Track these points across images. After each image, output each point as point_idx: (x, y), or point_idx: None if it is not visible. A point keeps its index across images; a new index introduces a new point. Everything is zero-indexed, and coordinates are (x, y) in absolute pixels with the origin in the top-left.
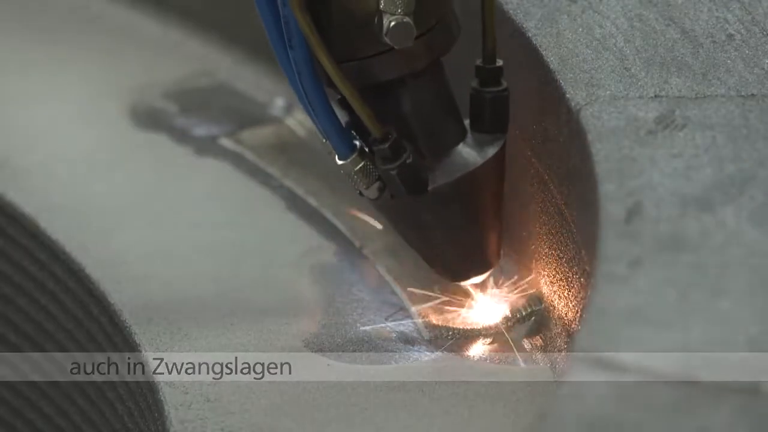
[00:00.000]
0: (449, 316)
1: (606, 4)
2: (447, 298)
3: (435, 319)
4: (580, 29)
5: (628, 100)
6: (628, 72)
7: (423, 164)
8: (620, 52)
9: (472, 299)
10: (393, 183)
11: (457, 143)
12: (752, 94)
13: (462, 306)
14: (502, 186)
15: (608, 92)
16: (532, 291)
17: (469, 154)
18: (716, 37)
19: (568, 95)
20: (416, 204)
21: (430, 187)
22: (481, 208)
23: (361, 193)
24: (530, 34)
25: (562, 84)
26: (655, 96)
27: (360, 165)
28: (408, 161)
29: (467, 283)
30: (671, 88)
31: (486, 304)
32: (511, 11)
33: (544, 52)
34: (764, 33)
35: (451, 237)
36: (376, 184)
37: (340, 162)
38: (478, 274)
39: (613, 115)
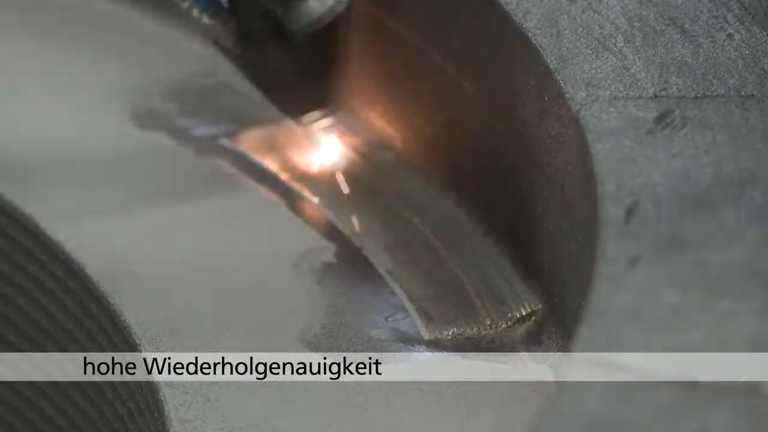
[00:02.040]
0: None
1: (606, 4)
2: None
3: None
4: (580, 29)
5: (628, 100)
6: (628, 72)
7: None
8: (620, 52)
9: None
10: (259, 34)
11: None
12: (752, 94)
13: None
14: (344, 35)
15: (608, 92)
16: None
17: (317, 3)
18: (716, 37)
19: (568, 95)
20: (278, 49)
21: (292, 33)
22: (333, 52)
23: (223, 48)
24: (530, 34)
25: (562, 84)
26: (655, 96)
27: (225, 21)
28: (271, 9)
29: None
30: (671, 88)
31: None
32: (511, 11)
33: (544, 52)
34: (764, 33)
35: (306, 79)
36: (241, 40)
37: (206, 20)
38: (315, 109)
39: (613, 115)
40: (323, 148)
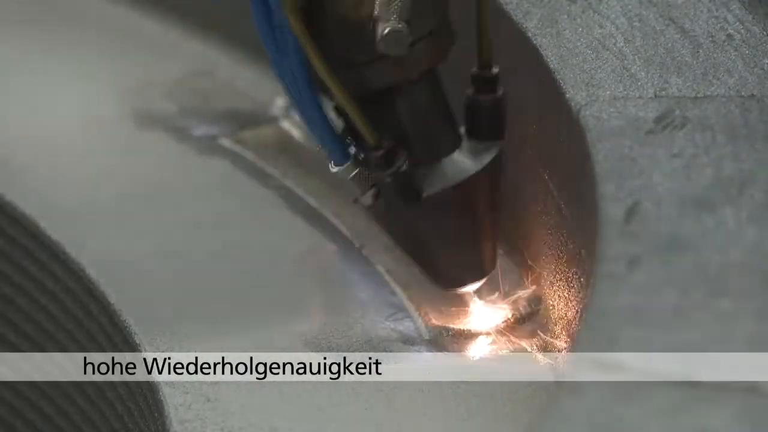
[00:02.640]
0: (451, 318)
1: (606, 4)
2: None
3: (435, 320)
4: (580, 29)
5: (628, 100)
6: (628, 72)
7: (417, 172)
8: (620, 52)
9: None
10: (387, 190)
11: (452, 151)
12: (752, 94)
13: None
14: (498, 193)
15: (608, 92)
16: (531, 291)
17: (463, 161)
18: (716, 37)
19: (568, 95)
20: (410, 212)
21: (424, 195)
22: (475, 216)
23: (356, 201)
24: (530, 34)
25: (562, 84)
26: (655, 96)
27: (354, 172)
28: (402, 169)
29: (461, 291)
30: (671, 88)
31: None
32: (511, 11)
33: (544, 52)
34: (764, 33)
35: (446, 245)
36: (371, 192)
37: (334, 169)
38: (472, 282)
39: (613, 115)
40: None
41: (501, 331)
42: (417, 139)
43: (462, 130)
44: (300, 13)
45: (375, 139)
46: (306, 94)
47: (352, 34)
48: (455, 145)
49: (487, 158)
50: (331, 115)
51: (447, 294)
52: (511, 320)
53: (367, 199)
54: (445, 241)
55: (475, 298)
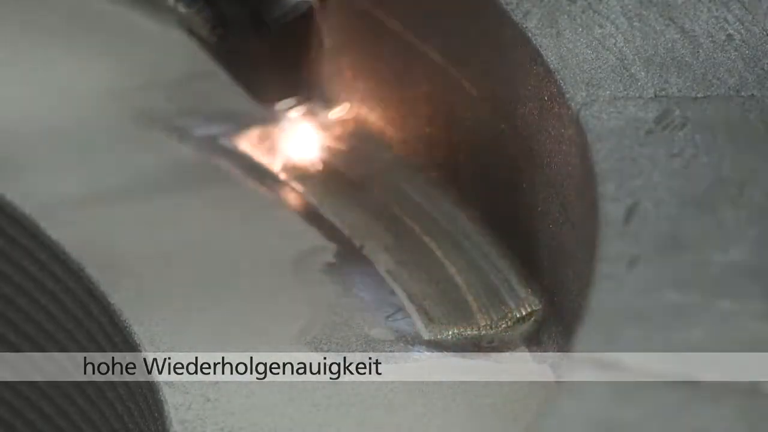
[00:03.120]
0: None
1: (606, 4)
2: None
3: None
4: (580, 29)
5: (628, 100)
6: (628, 72)
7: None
8: (620, 52)
9: None
10: (236, 22)
11: None
12: (752, 94)
13: None
14: (320, 29)
15: (608, 92)
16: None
17: None
18: (716, 37)
19: (568, 95)
20: (256, 40)
21: (272, 22)
22: (309, 43)
23: (200, 39)
24: (530, 34)
25: (562, 84)
26: (655, 96)
27: (200, 10)
28: None
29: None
30: (671, 88)
31: None
32: (511, 11)
33: (544, 52)
34: (764, 33)
35: (282, 66)
36: (217, 29)
37: (181, 9)
38: (295, 95)
39: (613, 115)
40: (321, 147)
41: (501, 332)
42: None
43: None
44: None
45: None
46: None
47: None
48: None
49: None
50: None
51: (447, 295)
52: (511, 320)
53: (213, 35)
54: (281, 63)
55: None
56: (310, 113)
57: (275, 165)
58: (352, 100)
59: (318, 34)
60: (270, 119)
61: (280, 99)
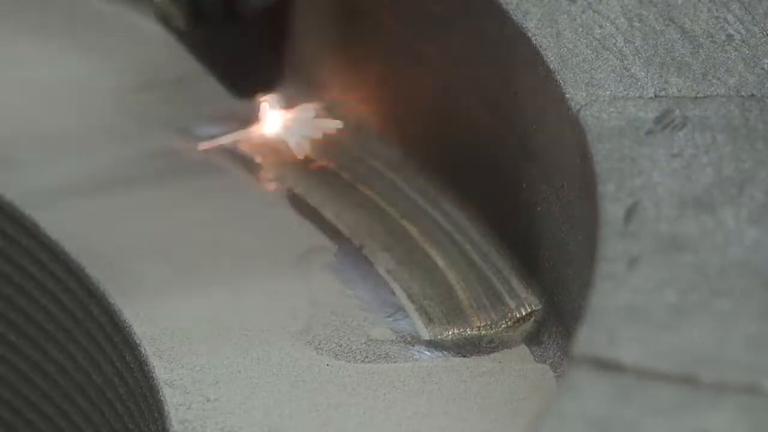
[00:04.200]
0: None
1: (606, 4)
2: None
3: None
4: (580, 29)
5: (628, 100)
6: (628, 72)
7: None
8: (620, 52)
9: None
10: (208, 11)
11: None
12: (752, 94)
13: None
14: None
15: (608, 92)
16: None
17: None
18: (716, 37)
19: (568, 95)
20: (228, 29)
21: (242, 11)
22: (282, 31)
23: (172, 28)
24: (530, 34)
25: (562, 84)
26: (655, 96)
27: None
28: None
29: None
30: (671, 88)
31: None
32: (511, 11)
33: (544, 52)
34: (764, 33)
35: (256, 57)
36: (190, 17)
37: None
38: (270, 90)
39: (613, 115)
40: (320, 146)
41: (501, 332)
42: None
43: None
44: None
45: None
46: None
47: None
48: None
49: None
50: None
51: (447, 294)
52: (511, 320)
53: (185, 23)
54: (255, 53)
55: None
56: (297, 106)
57: (275, 165)
58: (343, 96)
59: (294, 22)
60: (250, 113)
61: (257, 92)
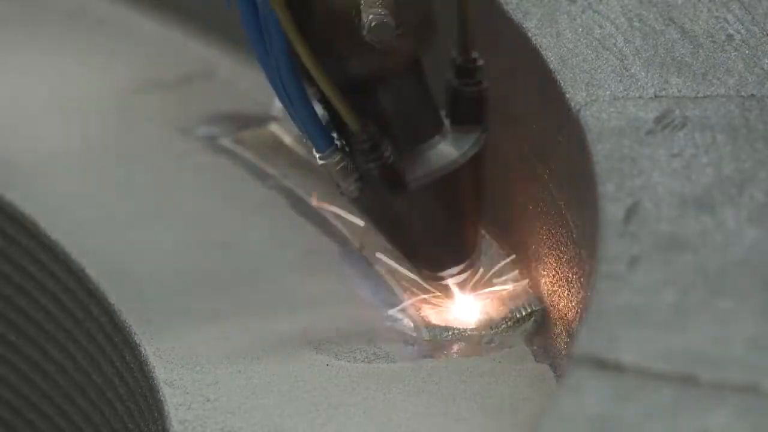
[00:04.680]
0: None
1: (606, 4)
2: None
3: (435, 319)
4: (580, 29)
5: (628, 100)
6: (628, 72)
7: (401, 160)
8: (620, 52)
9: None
10: (372, 179)
11: (434, 136)
12: (752, 94)
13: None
14: (481, 179)
15: (608, 92)
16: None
17: (446, 148)
18: (716, 37)
19: (568, 95)
20: (395, 200)
21: (409, 182)
22: (458, 201)
23: (341, 192)
24: (530, 34)
25: (562, 84)
26: (655, 96)
27: (339, 162)
28: (386, 155)
29: (446, 277)
30: (671, 88)
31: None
32: (511, 11)
33: (544, 52)
34: (764, 33)
35: (429, 230)
36: (356, 182)
37: (320, 160)
38: (455, 265)
39: (613, 115)
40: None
41: (501, 332)
42: (400, 128)
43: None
44: (286, 5)
45: (358, 125)
46: (290, 82)
47: (337, 24)
48: (437, 131)
49: (468, 145)
50: (316, 105)
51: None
52: (511, 320)
53: (352, 190)
54: (428, 226)
55: (457, 289)
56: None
57: (275, 165)
58: None
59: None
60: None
61: (445, 269)
